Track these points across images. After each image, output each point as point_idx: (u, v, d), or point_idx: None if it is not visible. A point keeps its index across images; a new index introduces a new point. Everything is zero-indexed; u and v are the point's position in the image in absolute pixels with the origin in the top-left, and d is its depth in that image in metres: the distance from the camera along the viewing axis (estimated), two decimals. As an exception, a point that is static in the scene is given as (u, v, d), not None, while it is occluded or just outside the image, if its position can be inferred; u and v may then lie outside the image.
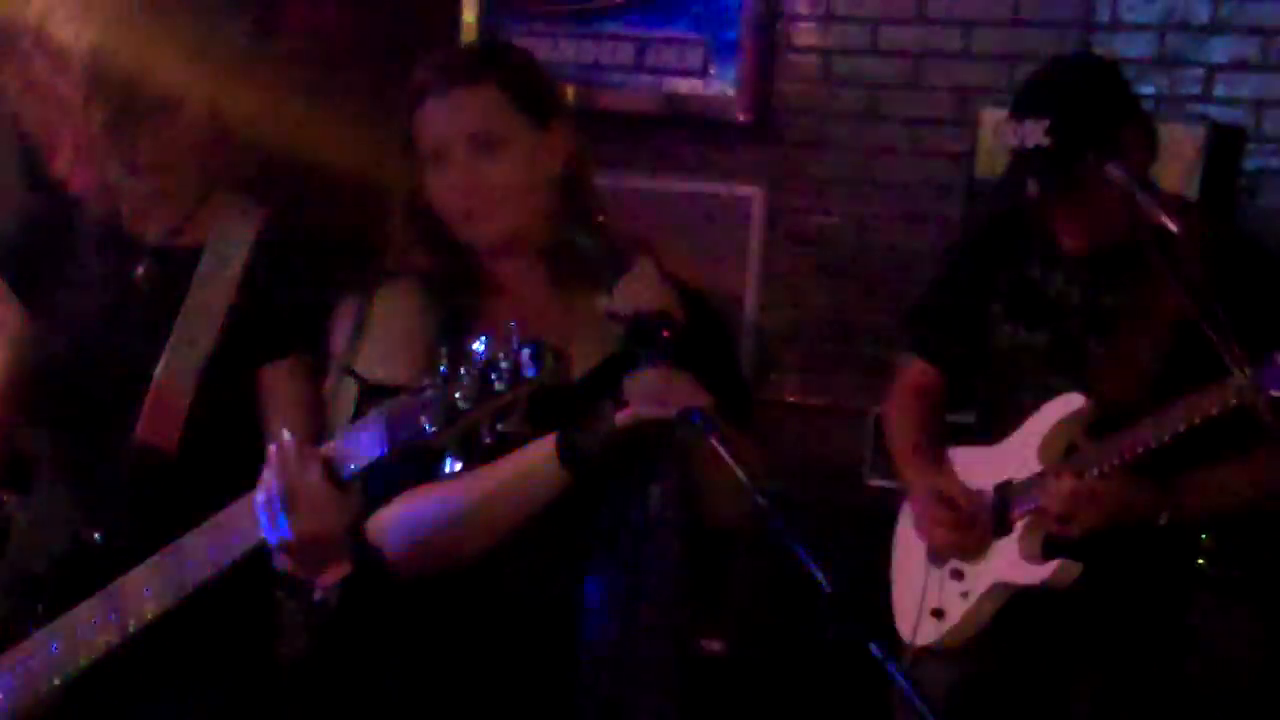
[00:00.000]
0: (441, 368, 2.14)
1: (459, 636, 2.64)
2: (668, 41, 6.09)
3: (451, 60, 2.73)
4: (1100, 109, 3.50)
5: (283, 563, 2.42)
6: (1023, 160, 3.46)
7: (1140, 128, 3.56)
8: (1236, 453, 3.44)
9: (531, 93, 2.68)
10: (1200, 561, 4.37)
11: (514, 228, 2.66)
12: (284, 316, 2.75)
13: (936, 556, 3.73)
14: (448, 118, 2.65)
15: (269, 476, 2.32)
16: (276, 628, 2.81)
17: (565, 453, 2.42)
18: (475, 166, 2.63)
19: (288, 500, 2.29)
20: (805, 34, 5.95)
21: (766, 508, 2.32)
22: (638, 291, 2.47)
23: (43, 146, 2.76)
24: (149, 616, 2.50)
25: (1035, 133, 3.41)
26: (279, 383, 2.77)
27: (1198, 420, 3.31)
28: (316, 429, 2.63)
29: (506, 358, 2.09)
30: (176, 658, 2.65)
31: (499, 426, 2.14)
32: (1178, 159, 4.57)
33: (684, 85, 6.09)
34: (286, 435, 2.35)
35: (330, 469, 2.29)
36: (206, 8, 2.78)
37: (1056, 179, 3.39)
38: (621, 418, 2.39)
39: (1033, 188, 3.41)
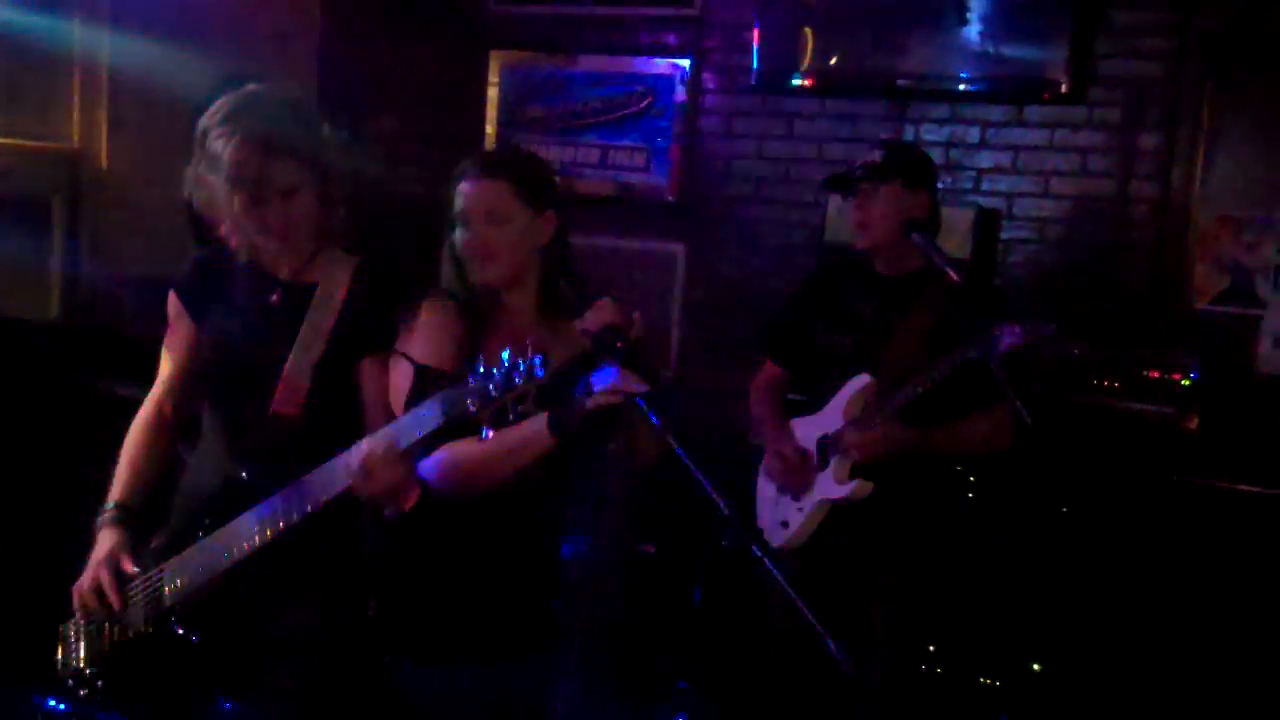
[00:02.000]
0: (480, 367, 2.19)
1: (481, 539, 2.66)
2: (622, 149, 6.09)
3: (483, 158, 2.76)
4: (922, 164, 3.72)
5: (367, 499, 2.44)
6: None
7: (935, 205, 3.65)
8: (977, 411, 3.54)
9: (532, 188, 2.70)
10: (970, 495, 4.44)
11: (509, 275, 2.70)
12: (370, 329, 2.74)
13: (781, 490, 3.77)
14: (472, 197, 2.68)
15: (357, 455, 2.38)
16: (361, 535, 2.80)
17: (553, 426, 2.45)
18: (486, 232, 2.66)
19: (371, 469, 2.36)
20: (713, 145, 5.97)
21: (683, 457, 2.36)
22: (602, 315, 2.48)
23: (209, 219, 2.75)
24: (280, 528, 2.53)
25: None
26: (369, 373, 2.75)
27: (931, 383, 3.45)
28: (388, 403, 2.66)
29: (524, 363, 2.15)
30: (298, 556, 2.64)
31: (519, 408, 2.19)
32: (956, 231, 4.62)
33: (632, 177, 6.08)
34: (365, 446, 2.40)
35: (394, 445, 2.36)
36: (311, 121, 2.77)
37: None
38: (592, 401, 2.41)
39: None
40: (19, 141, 5.33)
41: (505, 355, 2.19)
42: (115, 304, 5.41)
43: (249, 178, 2.60)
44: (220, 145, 2.61)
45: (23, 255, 5.43)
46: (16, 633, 3.20)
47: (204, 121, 2.68)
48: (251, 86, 2.74)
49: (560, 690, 2.64)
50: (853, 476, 3.62)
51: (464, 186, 2.69)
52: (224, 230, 2.72)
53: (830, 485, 3.66)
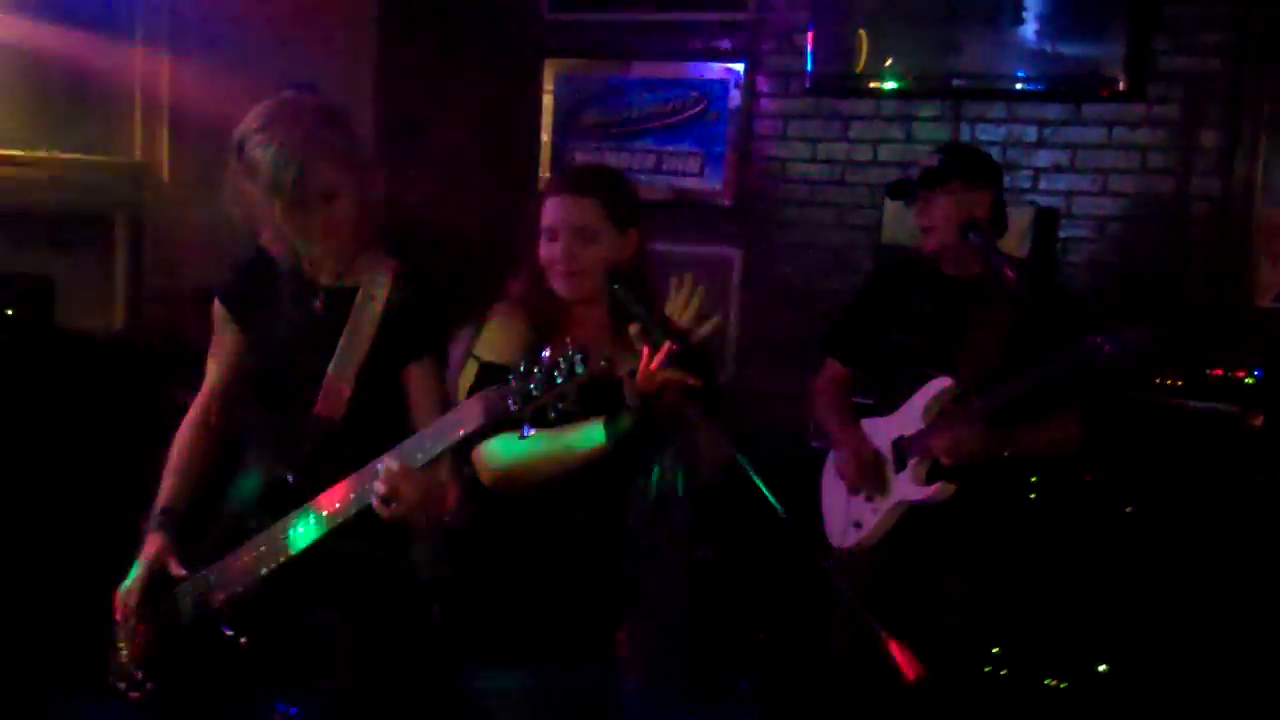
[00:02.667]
0: (521, 366, 2.19)
1: (545, 542, 2.66)
2: (677, 154, 6.10)
3: (575, 175, 2.76)
4: (981, 164, 3.66)
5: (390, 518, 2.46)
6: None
7: (999, 203, 3.62)
8: (1051, 413, 3.52)
9: (620, 208, 2.69)
10: (1032, 496, 4.40)
11: (590, 291, 2.68)
12: (412, 333, 2.75)
13: (854, 489, 3.75)
14: (562, 212, 2.67)
15: (382, 487, 2.41)
16: (409, 538, 2.81)
17: (608, 431, 2.44)
18: (574, 248, 2.65)
19: (396, 499, 2.39)
20: (768, 148, 5.96)
21: (742, 462, 2.34)
22: (664, 318, 2.47)
23: (250, 227, 2.76)
24: (326, 531, 2.55)
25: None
26: (415, 378, 2.77)
27: (1024, 390, 3.41)
28: (438, 406, 2.68)
29: (565, 361, 2.14)
30: (346, 554, 2.65)
31: (560, 406, 2.18)
32: (1014, 231, 4.56)
33: (688, 182, 6.09)
34: (383, 463, 2.42)
35: (404, 466, 2.40)
36: (346, 125, 2.78)
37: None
38: (633, 386, 2.40)
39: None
40: (82, 156, 5.38)
41: (546, 353, 2.18)
42: (178, 315, 5.45)
43: (289, 181, 2.61)
44: (259, 153, 2.63)
45: (87, 268, 5.49)
46: (72, 638, 3.23)
47: (240, 131, 2.70)
48: (286, 94, 2.76)
49: (625, 691, 2.63)
50: (930, 479, 3.59)
51: (553, 201, 2.69)
52: (266, 239, 2.75)
53: (910, 487, 3.63)
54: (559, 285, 2.68)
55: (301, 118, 2.67)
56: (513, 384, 2.21)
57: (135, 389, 4.71)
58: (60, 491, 4.27)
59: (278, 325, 2.80)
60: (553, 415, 2.21)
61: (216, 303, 2.91)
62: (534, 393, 2.18)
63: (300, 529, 2.59)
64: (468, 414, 2.33)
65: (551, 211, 2.68)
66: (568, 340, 2.20)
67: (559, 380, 2.16)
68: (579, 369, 2.15)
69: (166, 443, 2.95)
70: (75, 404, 4.50)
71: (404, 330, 2.75)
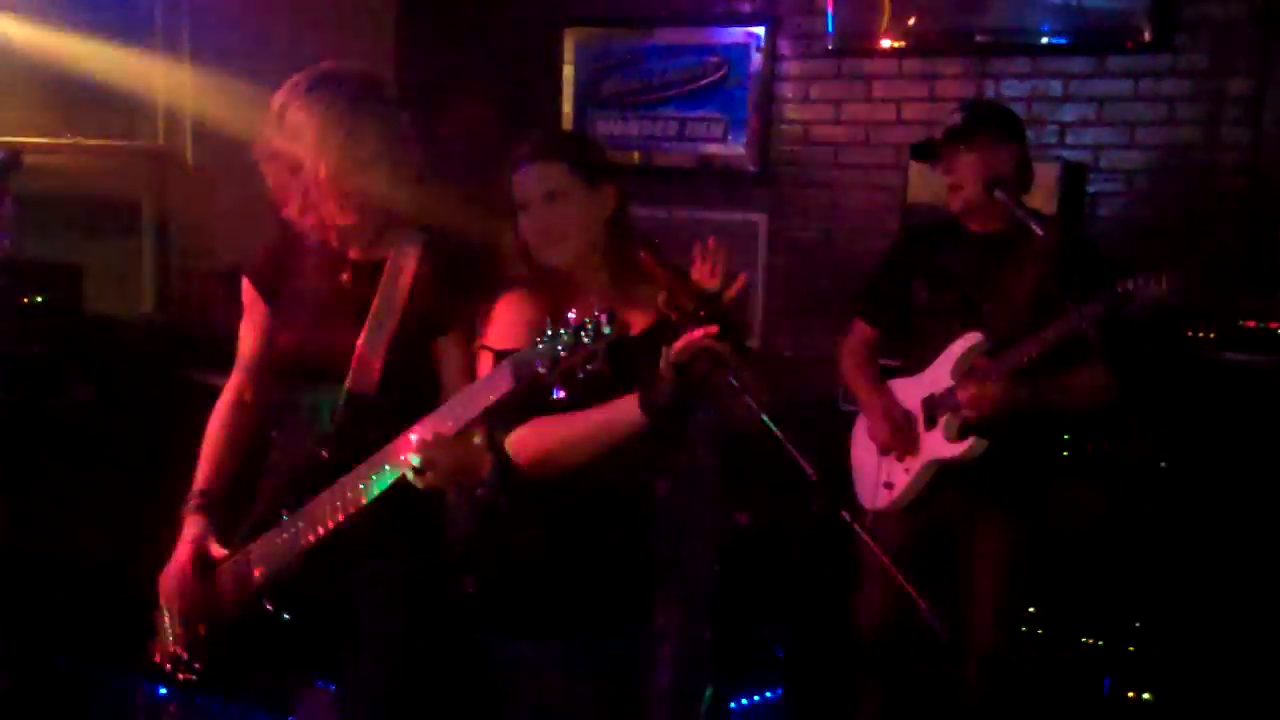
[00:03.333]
0: (548, 330, 2.17)
1: (574, 512, 2.64)
2: (700, 120, 6.06)
3: (533, 142, 2.72)
4: (1006, 118, 3.66)
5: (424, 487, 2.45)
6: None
7: (1024, 158, 3.59)
8: (1077, 366, 3.48)
9: (585, 164, 2.66)
10: (1065, 454, 4.38)
11: (574, 253, 2.65)
12: (442, 306, 2.73)
13: (884, 450, 3.74)
14: (529, 182, 2.64)
15: (417, 456, 2.39)
16: (446, 515, 2.80)
17: (645, 406, 2.41)
18: (548, 214, 2.62)
19: (432, 467, 2.39)
20: (791, 112, 5.92)
21: (770, 425, 2.33)
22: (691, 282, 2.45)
23: (277, 197, 2.73)
24: (362, 504, 2.54)
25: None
26: (445, 352, 2.75)
27: (1052, 343, 3.39)
28: (469, 378, 2.65)
29: (591, 322, 2.13)
30: (380, 534, 2.65)
31: (589, 367, 2.17)
32: (1042, 186, 4.52)
33: (711, 148, 6.06)
34: (414, 435, 2.41)
35: (438, 433, 2.39)
36: (387, 95, 2.77)
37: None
38: (664, 365, 2.36)
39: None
40: (106, 142, 5.41)
41: (572, 315, 2.17)
42: (205, 297, 5.48)
43: (336, 143, 2.60)
44: (304, 115, 2.63)
45: (115, 252, 5.52)
46: (118, 621, 3.26)
47: (280, 99, 2.69)
48: (326, 63, 2.75)
49: (659, 660, 2.62)
50: (963, 435, 3.57)
51: (519, 174, 2.66)
52: (292, 209, 2.71)
53: (941, 444, 3.61)
54: (545, 255, 2.64)
55: (346, 83, 2.68)
56: (540, 347, 2.19)
57: (164, 371, 4.74)
58: (93, 474, 4.30)
59: (306, 300, 2.79)
60: (580, 376, 2.19)
61: (245, 281, 2.90)
62: (561, 354, 2.16)
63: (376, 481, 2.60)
64: (497, 379, 2.31)
65: (519, 185, 2.65)
66: (593, 300, 2.18)
67: (586, 341, 2.15)
68: (606, 329, 2.14)
69: (196, 424, 2.96)
70: (106, 387, 4.53)
71: (433, 303, 2.73)
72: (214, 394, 2.99)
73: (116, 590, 3.39)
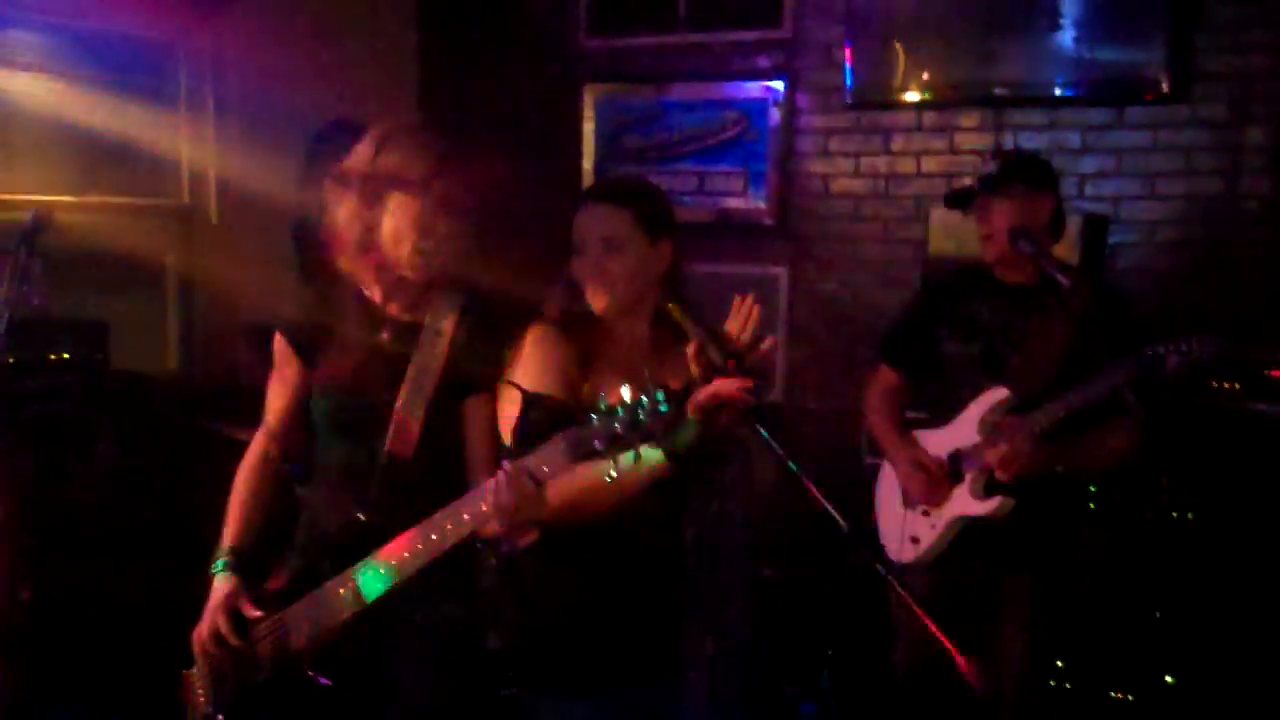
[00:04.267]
0: (602, 405, 2.16)
1: (603, 569, 2.63)
2: (719, 174, 6.08)
3: (600, 185, 2.73)
4: (1040, 169, 3.65)
5: (496, 533, 2.41)
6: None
7: (1059, 208, 3.59)
8: (1109, 422, 3.46)
9: (649, 216, 2.66)
10: (1091, 506, 4.34)
11: (620, 304, 2.65)
12: (477, 366, 2.71)
13: (910, 502, 3.71)
14: (589, 224, 2.65)
15: (501, 487, 2.33)
16: (478, 567, 2.78)
17: (669, 452, 2.38)
18: (602, 260, 2.63)
19: (513, 501, 2.31)
20: (810, 165, 5.93)
21: (801, 477, 2.31)
22: (720, 336, 2.44)
23: (337, 231, 2.72)
24: (410, 571, 2.51)
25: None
26: (473, 409, 2.74)
27: (1081, 405, 3.36)
28: (492, 438, 2.66)
29: (648, 399, 2.11)
30: (415, 594, 2.61)
31: (644, 445, 2.15)
32: (1063, 238, 4.52)
33: (731, 202, 6.07)
34: (510, 468, 2.34)
35: (534, 477, 2.31)
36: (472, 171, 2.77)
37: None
38: (692, 402, 2.35)
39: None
40: (131, 201, 5.44)
41: (626, 392, 2.15)
42: (229, 353, 5.49)
43: (434, 191, 2.61)
44: (406, 156, 2.64)
45: (140, 309, 5.54)
46: (145, 680, 3.24)
47: (382, 131, 2.70)
48: (403, 119, 2.76)
49: (689, 713, 2.59)
50: (990, 492, 3.55)
51: (582, 213, 2.67)
52: (350, 245, 2.70)
53: (968, 501, 3.58)
54: (592, 300, 2.65)
55: (447, 137, 2.71)
56: (596, 424, 2.17)
57: (189, 426, 4.75)
58: (119, 529, 4.29)
59: (344, 359, 2.76)
60: (636, 455, 2.18)
61: (278, 337, 2.87)
62: (619, 433, 2.15)
63: (370, 577, 2.57)
64: (551, 454, 2.28)
65: (579, 224, 2.67)
66: (644, 376, 2.17)
67: (643, 420, 2.14)
68: (663, 407, 2.13)
69: (221, 478, 2.95)
70: (132, 442, 4.53)
71: (468, 367, 2.72)
72: (238, 448, 2.98)
73: (146, 647, 3.36)
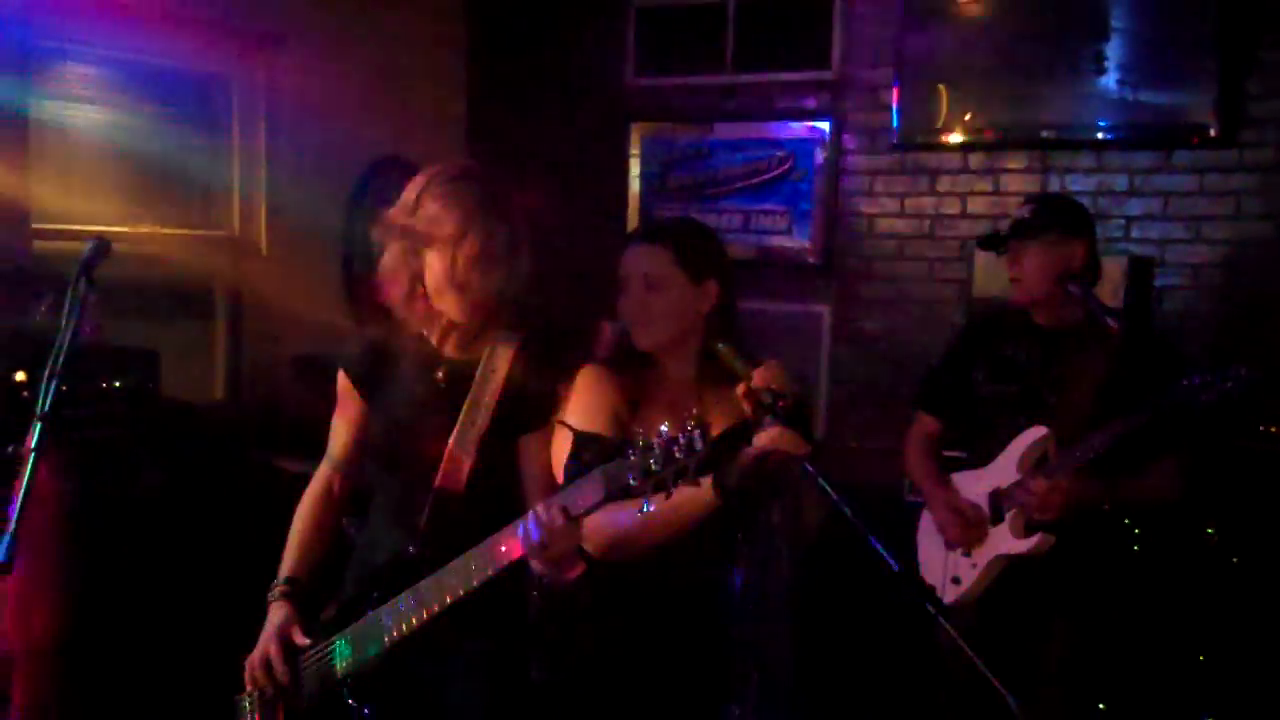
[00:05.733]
0: (640, 440, 2.16)
1: (649, 608, 2.63)
2: (764, 213, 6.11)
3: (647, 224, 2.76)
4: (1075, 213, 3.65)
5: (537, 569, 2.41)
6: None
7: (1093, 252, 3.58)
8: (1151, 461, 3.46)
9: (692, 256, 2.69)
10: (1136, 548, 4.31)
11: (665, 341, 2.69)
12: (530, 405, 2.73)
13: (951, 544, 3.70)
14: (631, 261, 2.70)
15: (532, 524, 2.32)
16: (523, 602, 2.78)
17: (718, 487, 2.40)
18: (643, 297, 2.67)
19: (546, 538, 2.31)
20: (855, 204, 5.95)
21: (850, 518, 2.31)
22: (769, 377, 2.44)
23: (388, 280, 2.72)
24: (447, 602, 2.51)
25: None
26: (528, 449, 2.75)
27: (1119, 437, 3.34)
28: (547, 475, 2.67)
29: (685, 436, 2.11)
30: (465, 628, 2.61)
31: (679, 481, 2.16)
32: (1109, 280, 4.51)
33: (775, 240, 6.09)
34: (541, 506, 2.33)
35: (567, 512, 2.30)
36: (520, 215, 2.74)
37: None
38: (749, 453, 2.37)
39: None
40: (183, 231, 5.51)
41: (665, 428, 2.15)
42: (276, 384, 5.53)
43: (472, 239, 2.61)
44: (443, 206, 2.64)
45: (189, 339, 5.60)
46: (195, 706, 3.25)
47: (422, 181, 2.70)
48: (465, 160, 2.79)
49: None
50: (1030, 530, 3.53)
51: (626, 253, 2.72)
52: (399, 293, 2.71)
53: (1008, 540, 3.56)
54: (635, 337, 2.69)
55: (488, 183, 2.70)
56: (633, 459, 2.18)
57: (235, 455, 4.78)
58: (166, 556, 4.32)
59: (401, 397, 2.79)
60: (672, 490, 2.18)
61: (341, 374, 2.90)
62: (655, 468, 2.15)
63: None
64: (588, 488, 2.27)
65: (624, 263, 2.71)
66: (687, 414, 2.17)
67: (679, 456, 2.14)
68: (698, 445, 2.13)
69: (266, 506, 2.97)
70: (180, 471, 4.57)
71: (522, 404, 2.74)
72: (283, 478, 3.00)
73: (194, 675, 3.38)
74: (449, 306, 2.69)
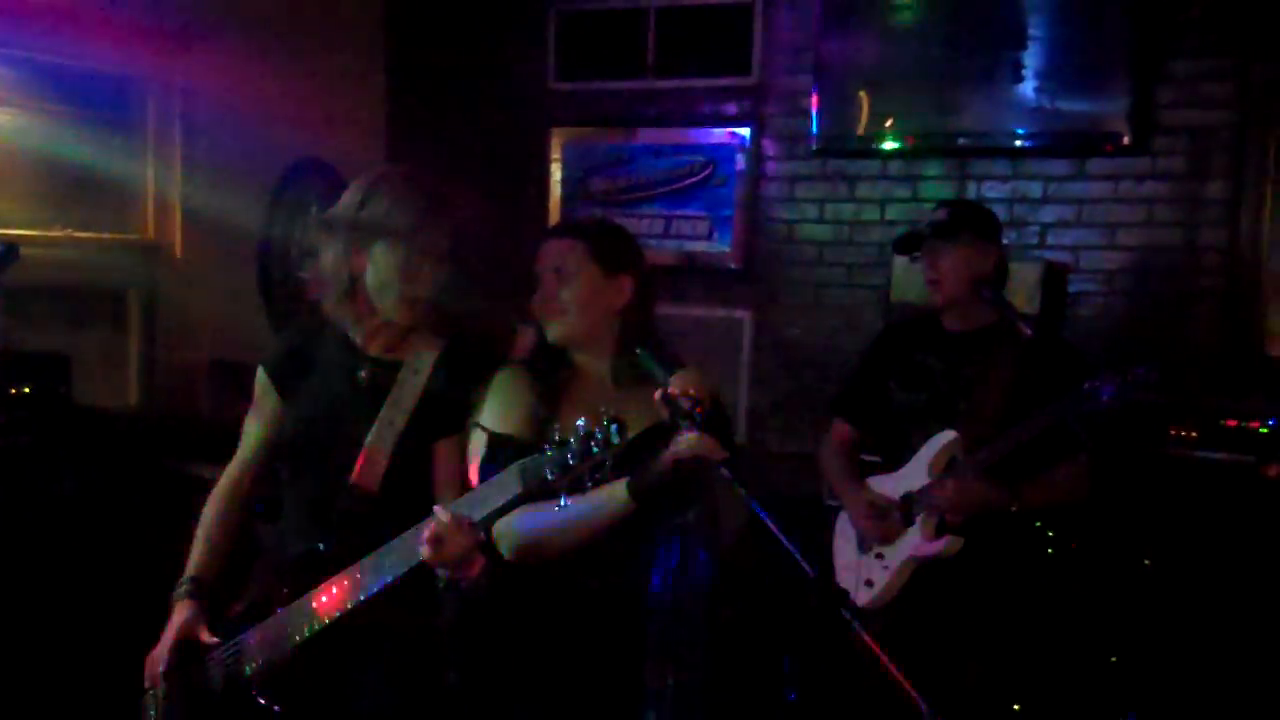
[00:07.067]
0: (555, 436, 2.17)
1: (563, 610, 2.63)
2: (685, 218, 6.13)
3: (563, 223, 2.78)
4: (988, 219, 3.72)
5: (433, 565, 2.41)
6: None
7: (1003, 257, 3.64)
8: (1057, 464, 3.52)
9: (605, 249, 2.71)
10: (1049, 551, 4.37)
11: (577, 334, 2.70)
12: (449, 410, 2.74)
13: (864, 545, 3.74)
14: (542, 255, 2.73)
15: (431, 530, 2.34)
16: (436, 606, 2.78)
17: (632, 489, 2.42)
18: (552, 289, 2.69)
19: (440, 546, 2.33)
20: (775, 210, 5.98)
21: (767, 522, 2.32)
22: (687, 382, 2.45)
23: (321, 277, 2.76)
24: (359, 599, 2.51)
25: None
26: (443, 452, 2.76)
27: (1023, 439, 3.42)
28: (460, 479, 2.67)
29: (601, 431, 2.12)
30: (374, 627, 2.61)
31: (596, 476, 2.17)
32: (1024, 286, 4.58)
33: (696, 246, 6.11)
34: (441, 511, 2.36)
35: (464, 519, 2.33)
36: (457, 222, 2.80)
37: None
38: (666, 458, 2.39)
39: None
40: (97, 235, 5.42)
41: (581, 424, 2.16)
42: (191, 389, 5.47)
43: (418, 241, 2.65)
44: (391, 206, 2.66)
45: (102, 345, 5.51)
46: (102, 708, 3.22)
47: (369, 180, 2.73)
48: (409, 165, 2.81)
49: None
50: (939, 533, 3.57)
51: (542, 248, 2.74)
52: (334, 291, 2.73)
53: (918, 542, 3.61)
54: (547, 329, 2.71)
55: (434, 188, 2.74)
56: (550, 454, 2.19)
57: (149, 462, 4.72)
58: (78, 563, 4.27)
59: (321, 394, 2.80)
60: (589, 485, 2.20)
61: (260, 371, 2.91)
62: (571, 463, 2.16)
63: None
64: (506, 484, 2.30)
65: (539, 257, 2.74)
66: (603, 410, 2.18)
67: (595, 451, 2.15)
68: (615, 439, 2.14)
69: (180, 513, 2.94)
70: (91, 477, 4.51)
71: (441, 407, 2.75)
72: (198, 485, 2.98)
73: (101, 680, 3.34)
74: (388, 305, 2.71)
